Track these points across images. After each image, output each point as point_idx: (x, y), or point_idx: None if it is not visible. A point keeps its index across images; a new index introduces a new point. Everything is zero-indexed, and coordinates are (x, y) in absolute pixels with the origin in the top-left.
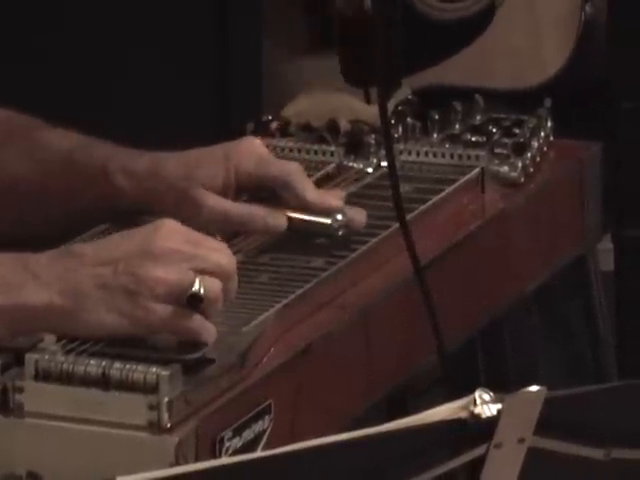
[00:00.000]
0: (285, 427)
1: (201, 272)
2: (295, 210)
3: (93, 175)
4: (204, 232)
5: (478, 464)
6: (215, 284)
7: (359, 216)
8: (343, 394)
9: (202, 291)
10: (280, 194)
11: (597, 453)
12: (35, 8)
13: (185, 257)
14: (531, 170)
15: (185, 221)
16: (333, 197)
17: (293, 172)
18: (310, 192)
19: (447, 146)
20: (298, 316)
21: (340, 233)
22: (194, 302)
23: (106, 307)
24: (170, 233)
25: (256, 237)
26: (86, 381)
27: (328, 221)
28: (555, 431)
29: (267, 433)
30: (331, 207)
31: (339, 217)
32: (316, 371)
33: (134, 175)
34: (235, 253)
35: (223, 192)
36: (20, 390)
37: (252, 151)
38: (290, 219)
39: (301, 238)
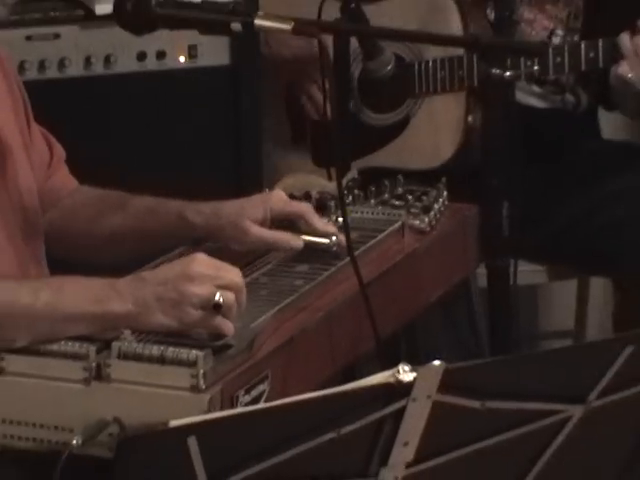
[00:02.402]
0: (277, 389)
1: (221, 288)
2: (303, 234)
3: (172, 218)
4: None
5: (401, 412)
6: (230, 296)
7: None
8: (314, 367)
9: (222, 301)
10: (296, 223)
11: (476, 404)
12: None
13: (210, 278)
14: (434, 223)
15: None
16: (330, 226)
17: (307, 210)
18: (318, 222)
19: (380, 208)
20: (286, 317)
21: (335, 249)
22: (217, 308)
23: (162, 312)
24: (200, 262)
25: (267, 261)
26: (151, 359)
27: (327, 241)
28: (450, 390)
29: (266, 392)
30: (331, 232)
31: (334, 239)
32: (298, 353)
33: (203, 215)
34: (245, 276)
35: (262, 224)
36: (108, 365)
37: (280, 198)
38: (303, 240)
39: (289, 266)
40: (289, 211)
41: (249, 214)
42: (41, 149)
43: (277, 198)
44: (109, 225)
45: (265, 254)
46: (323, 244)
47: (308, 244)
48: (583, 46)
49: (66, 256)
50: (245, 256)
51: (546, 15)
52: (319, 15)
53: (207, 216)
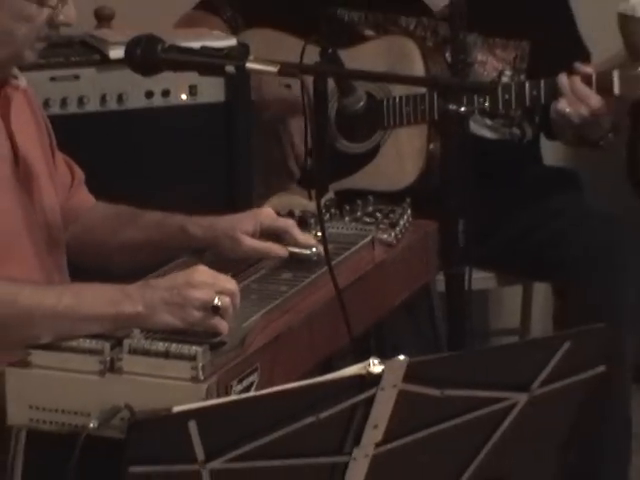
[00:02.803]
0: (266, 379)
1: (219, 293)
2: (288, 245)
3: (176, 231)
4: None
5: (371, 399)
6: (226, 300)
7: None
8: (297, 361)
9: (219, 304)
10: (281, 236)
11: (436, 392)
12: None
13: (209, 285)
14: (399, 237)
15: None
16: (311, 239)
17: (292, 225)
18: (300, 236)
19: (353, 224)
20: (273, 318)
21: (315, 259)
22: (215, 310)
23: (168, 313)
24: (201, 272)
25: (257, 270)
26: (157, 354)
27: (309, 252)
28: (414, 380)
29: (256, 383)
30: (311, 244)
31: (314, 250)
32: (283, 349)
33: (202, 228)
34: (239, 283)
35: (253, 236)
36: (120, 359)
37: (268, 215)
38: (288, 250)
39: (275, 274)
40: (276, 226)
41: (242, 227)
42: (64, 173)
43: (266, 214)
44: (123, 237)
45: (255, 262)
46: (305, 254)
47: (292, 254)
48: (527, 85)
49: (86, 264)
50: (238, 263)
51: (496, 58)
52: (301, 59)
53: (205, 229)
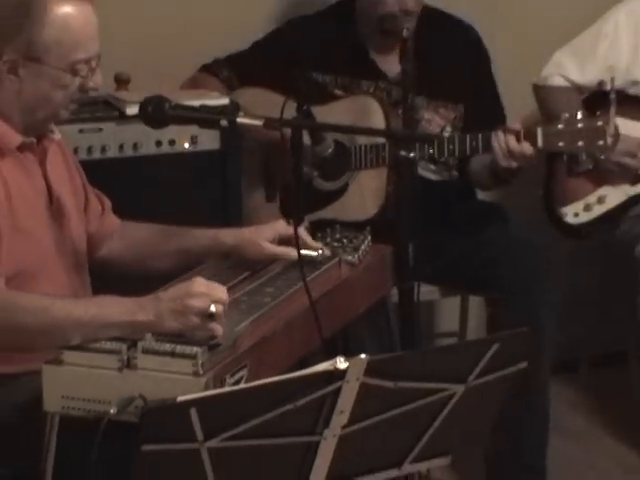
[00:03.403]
0: (253, 374)
1: (214, 301)
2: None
3: (210, 240)
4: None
5: (338, 390)
6: (220, 307)
7: (327, 252)
8: (279, 359)
9: (214, 311)
10: (292, 241)
11: (390, 384)
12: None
13: (206, 294)
14: (361, 258)
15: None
16: (318, 244)
17: (302, 232)
18: (310, 240)
19: (325, 247)
20: (259, 324)
21: (320, 259)
22: (211, 316)
23: (173, 320)
24: (199, 284)
25: (247, 284)
26: (165, 353)
27: (316, 253)
28: (373, 374)
29: (245, 377)
30: (318, 247)
31: (320, 252)
32: (267, 349)
33: (233, 236)
34: (232, 294)
35: (272, 242)
36: (135, 358)
37: (283, 225)
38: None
39: (264, 287)
40: (290, 234)
41: (264, 236)
42: (95, 206)
43: (281, 225)
44: (165, 249)
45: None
46: (313, 255)
47: (303, 256)
48: (468, 137)
49: (127, 272)
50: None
51: (440, 116)
52: (281, 114)
53: (235, 237)
